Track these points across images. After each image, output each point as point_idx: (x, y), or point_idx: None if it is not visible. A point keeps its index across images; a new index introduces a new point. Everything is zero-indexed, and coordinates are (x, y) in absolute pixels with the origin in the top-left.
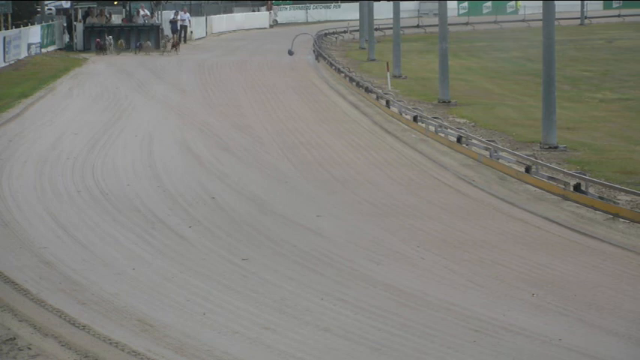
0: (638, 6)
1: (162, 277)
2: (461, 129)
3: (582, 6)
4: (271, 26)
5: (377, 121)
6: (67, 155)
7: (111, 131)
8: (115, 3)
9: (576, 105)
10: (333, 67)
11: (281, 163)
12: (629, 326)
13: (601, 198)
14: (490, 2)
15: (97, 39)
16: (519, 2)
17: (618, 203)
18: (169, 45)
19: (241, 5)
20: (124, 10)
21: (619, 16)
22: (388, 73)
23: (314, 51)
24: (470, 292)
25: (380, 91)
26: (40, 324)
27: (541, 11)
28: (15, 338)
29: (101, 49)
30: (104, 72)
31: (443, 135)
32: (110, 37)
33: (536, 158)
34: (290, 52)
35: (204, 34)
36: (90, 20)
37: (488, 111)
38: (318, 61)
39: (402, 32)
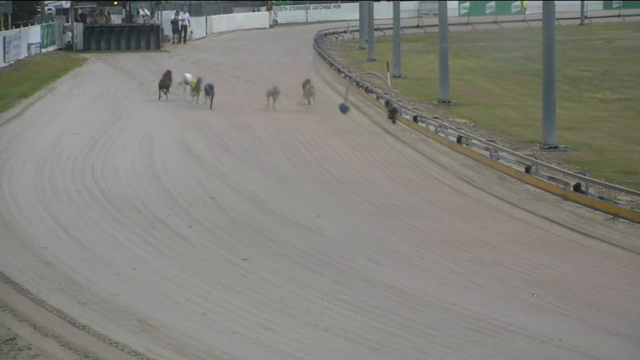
0: (638, 6)
1: (163, 277)
2: (461, 129)
3: (582, 6)
4: (271, 26)
5: (377, 121)
6: (67, 155)
7: (111, 131)
8: (115, 3)
9: (576, 105)
10: (333, 67)
11: (281, 163)
12: (629, 326)
13: (601, 198)
14: (494, 2)
15: (168, 72)
16: (525, 2)
17: (618, 203)
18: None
19: (241, 5)
20: (124, 10)
21: (619, 16)
22: (388, 73)
23: (386, 102)
24: (470, 292)
25: (380, 91)
26: (40, 324)
27: (541, 11)
28: (15, 338)
29: (162, 87)
30: (104, 72)
31: (443, 135)
32: (189, 74)
33: (536, 158)
34: (343, 109)
35: (204, 34)
36: (89, 20)
37: (488, 111)
38: (394, 122)
39: (402, 32)
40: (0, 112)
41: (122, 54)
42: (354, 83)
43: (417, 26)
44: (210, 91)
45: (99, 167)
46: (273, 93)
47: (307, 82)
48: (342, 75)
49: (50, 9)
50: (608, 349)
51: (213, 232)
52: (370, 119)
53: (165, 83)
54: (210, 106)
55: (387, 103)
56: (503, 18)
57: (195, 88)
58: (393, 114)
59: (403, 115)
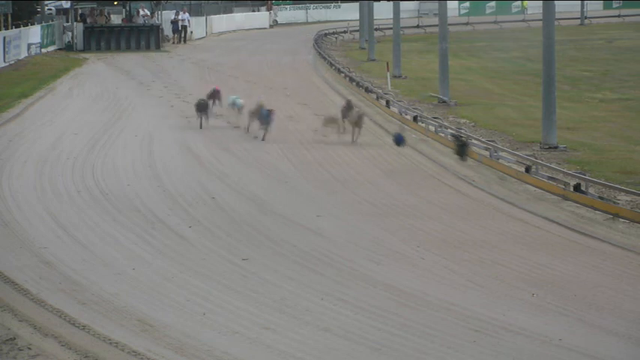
0: (638, 6)
1: (163, 277)
2: (461, 129)
3: (582, 6)
4: (271, 26)
5: (377, 121)
6: (67, 155)
7: (111, 131)
8: (115, 3)
9: (576, 105)
10: (333, 67)
11: (281, 163)
12: (629, 326)
13: (601, 198)
14: (494, 2)
15: (216, 92)
16: (525, 2)
17: (618, 203)
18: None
19: (241, 5)
20: (124, 10)
21: (619, 16)
22: (388, 73)
23: (454, 136)
24: (470, 292)
25: (380, 91)
26: (40, 324)
27: (541, 11)
28: (15, 338)
29: (202, 111)
30: (104, 72)
31: (443, 135)
32: (240, 99)
33: (536, 158)
34: (399, 141)
35: (204, 34)
36: (89, 20)
37: (488, 111)
38: (464, 159)
39: (402, 32)
40: (0, 112)
41: (122, 54)
42: (354, 83)
43: (417, 26)
44: (266, 119)
45: (99, 167)
46: (332, 121)
47: (349, 105)
48: (342, 75)
49: (50, 9)
50: (608, 349)
51: (213, 232)
52: (369, 118)
53: (203, 106)
54: (263, 137)
55: (456, 137)
56: (503, 18)
57: (255, 116)
58: (463, 149)
59: (403, 115)
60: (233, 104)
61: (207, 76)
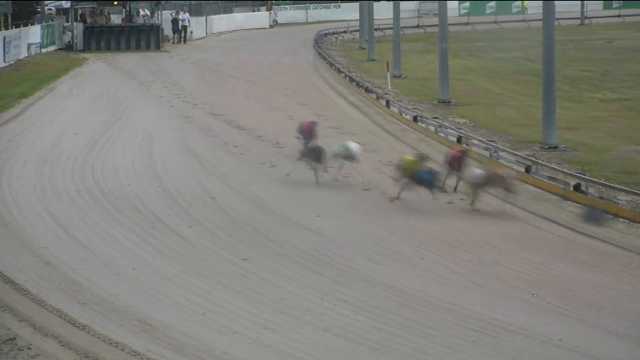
0: (638, 6)
1: (163, 277)
2: (461, 129)
3: (582, 6)
4: (271, 26)
5: (377, 121)
6: (67, 155)
7: (111, 131)
8: (115, 3)
9: (576, 105)
10: (333, 67)
11: (281, 163)
12: (629, 326)
13: (601, 198)
14: (494, 2)
15: (311, 126)
16: (525, 2)
17: (618, 203)
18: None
19: (241, 5)
20: (124, 10)
21: (619, 16)
22: (388, 73)
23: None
24: (470, 292)
25: (380, 91)
26: (40, 324)
27: (541, 11)
28: (15, 338)
29: (318, 160)
30: (104, 72)
31: (443, 135)
32: (353, 143)
33: (536, 158)
34: (594, 216)
35: (204, 34)
36: (89, 20)
37: (489, 111)
38: None
39: (402, 32)
40: (0, 112)
41: (122, 54)
42: (354, 84)
43: (417, 26)
44: (430, 183)
45: (99, 167)
46: (493, 181)
47: (463, 156)
48: (342, 75)
49: (50, 9)
50: (608, 349)
51: (213, 232)
52: (370, 119)
53: (319, 155)
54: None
55: (594, 214)
56: (503, 18)
57: (413, 176)
58: (597, 218)
59: (403, 115)
60: (345, 152)
61: (207, 76)
